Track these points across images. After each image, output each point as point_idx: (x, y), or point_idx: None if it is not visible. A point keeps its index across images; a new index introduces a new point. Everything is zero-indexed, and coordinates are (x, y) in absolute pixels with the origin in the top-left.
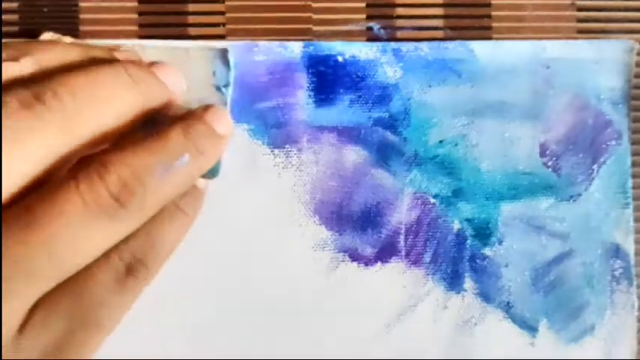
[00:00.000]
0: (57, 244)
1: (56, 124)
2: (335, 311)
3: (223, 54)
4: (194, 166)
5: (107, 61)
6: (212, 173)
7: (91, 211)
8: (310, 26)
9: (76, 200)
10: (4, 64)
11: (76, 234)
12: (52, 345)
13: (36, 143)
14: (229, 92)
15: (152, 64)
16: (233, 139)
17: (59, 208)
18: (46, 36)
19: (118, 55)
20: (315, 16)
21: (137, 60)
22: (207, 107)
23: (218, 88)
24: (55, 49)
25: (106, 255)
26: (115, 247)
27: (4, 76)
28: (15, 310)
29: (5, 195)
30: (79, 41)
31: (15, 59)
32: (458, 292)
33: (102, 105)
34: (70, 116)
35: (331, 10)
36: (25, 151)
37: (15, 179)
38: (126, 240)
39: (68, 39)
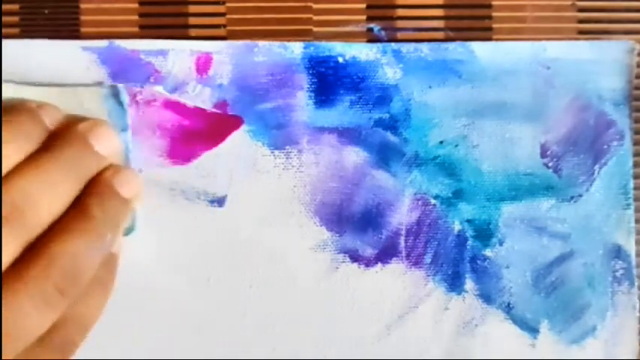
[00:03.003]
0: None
1: (21, 234)
2: (335, 312)
3: (115, 93)
4: (114, 240)
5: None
6: (129, 231)
7: (40, 310)
8: (311, 27)
9: (26, 308)
10: None
11: (18, 324)
12: None
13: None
14: (129, 137)
15: (88, 127)
16: (233, 140)
17: (12, 316)
18: None
19: (45, 118)
20: (315, 17)
21: (73, 129)
22: (114, 170)
23: (119, 132)
24: (7, 148)
25: (40, 341)
26: (47, 334)
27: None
28: None
29: None
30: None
31: None
32: (459, 293)
33: (50, 204)
34: (28, 226)
35: (331, 12)
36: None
37: None
38: (55, 327)
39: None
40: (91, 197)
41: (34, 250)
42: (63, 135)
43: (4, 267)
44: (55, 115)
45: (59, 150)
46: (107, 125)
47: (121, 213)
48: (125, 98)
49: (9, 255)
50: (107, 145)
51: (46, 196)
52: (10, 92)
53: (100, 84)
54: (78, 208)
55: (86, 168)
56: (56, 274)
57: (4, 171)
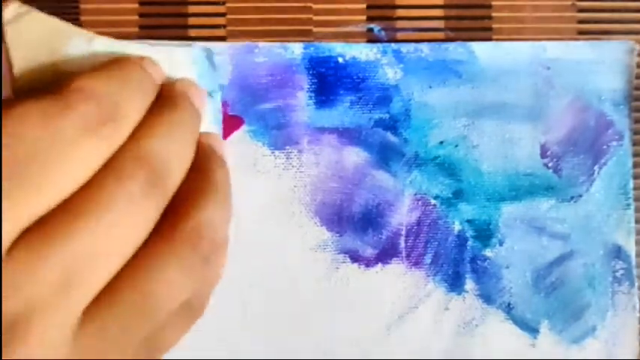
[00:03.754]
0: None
1: (161, 201)
2: (336, 312)
3: (208, 54)
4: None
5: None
6: None
7: (185, 271)
8: (311, 28)
9: (171, 265)
10: (104, 129)
11: (166, 291)
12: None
13: (147, 222)
14: (219, 98)
15: (189, 90)
16: (234, 141)
17: (158, 267)
18: (12, 9)
19: (150, 71)
20: (315, 18)
21: (176, 90)
22: (211, 136)
23: (208, 94)
24: (130, 98)
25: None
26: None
27: (109, 147)
28: None
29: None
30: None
31: (109, 120)
32: (459, 294)
33: (183, 166)
34: (168, 190)
35: (331, 12)
36: (139, 230)
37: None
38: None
39: (38, 13)
40: (214, 168)
41: (176, 216)
42: (171, 94)
43: (147, 234)
44: (157, 70)
45: (176, 110)
46: (199, 86)
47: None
48: (216, 61)
49: (151, 220)
50: (203, 106)
51: (177, 158)
52: (100, 47)
53: (190, 44)
54: (206, 179)
55: (197, 129)
56: (204, 244)
57: (128, 131)
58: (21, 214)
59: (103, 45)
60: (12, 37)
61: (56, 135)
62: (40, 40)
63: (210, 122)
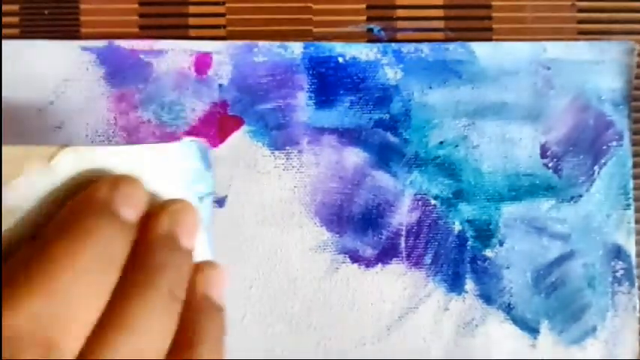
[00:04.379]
0: None
1: None
2: (336, 313)
3: (201, 150)
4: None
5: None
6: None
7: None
8: (311, 28)
9: None
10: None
11: None
12: None
13: None
14: (210, 204)
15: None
16: (234, 141)
17: None
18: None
19: (126, 209)
20: (315, 18)
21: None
22: (205, 276)
23: (199, 199)
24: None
25: None
26: None
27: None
28: None
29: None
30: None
31: None
32: (459, 294)
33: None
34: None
35: (331, 12)
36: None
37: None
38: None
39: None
40: (199, 338)
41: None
42: (150, 249)
43: None
44: (137, 199)
45: (152, 283)
46: (191, 208)
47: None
48: (211, 159)
49: None
50: (194, 237)
51: (154, 340)
52: (65, 166)
53: (181, 141)
54: (185, 350)
55: (183, 288)
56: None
57: (80, 342)
58: None
59: (70, 161)
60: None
61: None
62: None
63: (201, 231)
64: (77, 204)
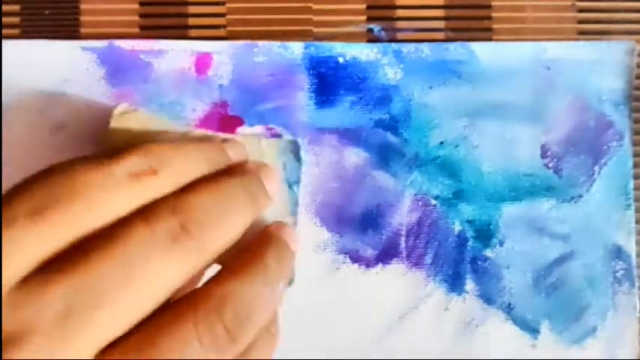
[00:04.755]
0: None
1: (194, 254)
2: (336, 313)
3: (295, 147)
4: (284, 292)
5: (226, 170)
6: (290, 283)
7: (207, 349)
8: (311, 28)
9: (194, 341)
10: (146, 178)
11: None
12: None
13: (174, 272)
14: (299, 191)
15: (260, 167)
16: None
17: (179, 347)
18: (121, 108)
19: (229, 151)
20: (315, 18)
21: (246, 165)
22: (282, 227)
23: (289, 185)
24: (187, 162)
25: None
26: None
27: (148, 194)
28: None
29: (138, 316)
30: (181, 130)
31: (154, 172)
32: (459, 294)
33: (228, 228)
34: (203, 246)
35: (332, 12)
36: (163, 279)
37: (147, 306)
38: None
39: (143, 112)
40: (267, 247)
41: (208, 283)
42: (240, 167)
43: (174, 288)
44: (239, 150)
45: (239, 178)
46: (273, 169)
47: (290, 263)
48: (303, 154)
49: (183, 274)
50: (274, 188)
51: (226, 219)
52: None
53: (280, 137)
54: (255, 254)
55: (260, 204)
56: (229, 316)
57: (173, 185)
58: (56, 238)
59: (195, 136)
60: (112, 129)
61: (106, 178)
62: (135, 133)
63: (287, 213)
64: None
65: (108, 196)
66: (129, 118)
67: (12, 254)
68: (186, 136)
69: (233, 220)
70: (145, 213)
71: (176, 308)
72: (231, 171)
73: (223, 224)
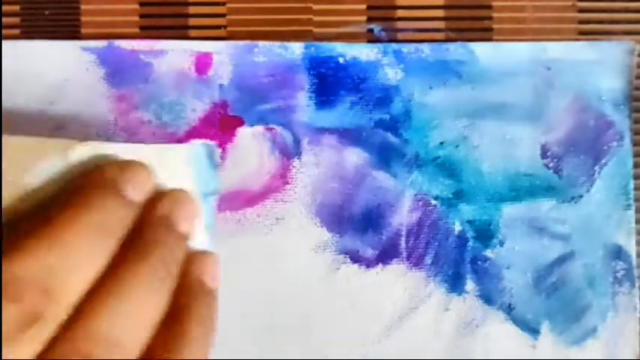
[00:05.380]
0: None
1: None
2: (336, 313)
3: (209, 151)
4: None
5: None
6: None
7: None
8: (311, 28)
9: None
10: (35, 326)
11: None
12: None
13: None
14: (214, 203)
15: (174, 207)
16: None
17: None
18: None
19: (130, 189)
20: (315, 18)
21: (157, 210)
22: (201, 264)
23: (204, 196)
24: (78, 267)
25: None
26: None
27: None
28: None
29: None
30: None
31: (36, 319)
32: (459, 294)
33: (147, 322)
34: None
35: (332, 12)
36: None
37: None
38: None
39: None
40: (193, 321)
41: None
42: (151, 222)
43: None
44: (143, 183)
45: (146, 260)
46: (191, 198)
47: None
48: (217, 159)
49: None
50: (191, 223)
51: (134, 337)
52: (80, 155)
53: (190, 142)
54: (176, 327)
55: (177, 263)
56: None
57: (75, 297)
58: None
59: (85, 152)
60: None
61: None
62: (10, 162)
63: (200, 231)
64: (86, 180)
65: None
66: None
67: None
68: (74, 162)
69: (154, 318)
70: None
71: None
72: (141, 233)
73: (138, 341)
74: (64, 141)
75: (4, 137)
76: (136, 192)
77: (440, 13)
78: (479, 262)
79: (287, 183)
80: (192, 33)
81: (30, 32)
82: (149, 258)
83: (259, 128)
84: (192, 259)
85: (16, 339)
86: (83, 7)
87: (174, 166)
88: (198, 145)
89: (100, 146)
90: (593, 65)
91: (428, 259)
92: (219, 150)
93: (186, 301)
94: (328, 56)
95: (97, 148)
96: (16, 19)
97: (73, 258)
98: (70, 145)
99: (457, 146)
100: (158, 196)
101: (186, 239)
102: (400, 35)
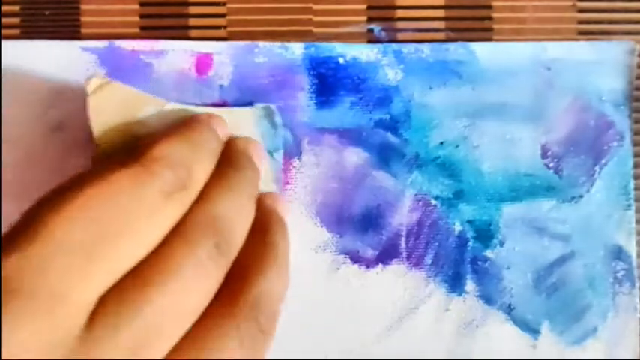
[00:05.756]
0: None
1: (224, 269)
2: (336, 313)
3: (269, 113)
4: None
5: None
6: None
7: (247, 348)
8: (311, 28)
9: (236, 341)
10: (178, 196)
11: None
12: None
13: (209, 288)
14: (281, 158)
15: (247, 146)
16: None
17: (224, 347)
18: (94, 82)
19: (218, 131)
20: (315, 18)
21: (236, 147)
22: (278, 202)
23: (270, 153)
24: (200, 162)
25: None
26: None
27: (181, 210)
28: (83, 295)
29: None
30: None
31: (184, 187)
32: (459, 294)
33: (244, 233)
34: (229, 260)
35: (332, 12)
36: (202, 296)
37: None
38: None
39: (117, 84)
40: (274, 231)
41: (237, 283)
42: (233, 152)
43: (210, 300)
44: (223, 127)
45: (238, 170)
46: (259, 143)
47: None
48: (279, 119)
49: (216, 285)
50: (262, 166)
51: (241, 220)
52: (171, 111)
53: (253, 105)
54: (267, 244)
55: (257, 188)
56: (264, 317)
57: (197, 194)
58: (102, 277)
59: (174, 109)
60: (93, 106)
61: (142, 200)
62: (118, 107)
63: (270, 181)
64: (184, 121)
65: (149, 223)
66: (105, 92)
67: (77, 288)
68: (168, 111)
69: (247, 224)
70: (183, 235)
71: (218, 311)
72: (228, 159)
73: (243, 232)
74: (159, 99)
75: (113, 84)
76: (221, 132)
77: (440, 13)
78: (479, 263)
79: (287, 183)
80: (193, 33)
81: (30, 32)
82: (238, 176)
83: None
84: (264, 196)
85: (171, 197)
86: (83, 7)
87: (242, 125)
88: (260, 107)
89: (185, 107)
90: (593, 65)
91: (428, 260)
92: (279, 113)
93: (264, 221)
94: (328, 56)
95: (183, 108)
96: (16, 19)
97: (198, 153)
98: (164, 102)
99: (457, 146)
100: (233, 139)
101: (259, 172)
102: (400, 35)
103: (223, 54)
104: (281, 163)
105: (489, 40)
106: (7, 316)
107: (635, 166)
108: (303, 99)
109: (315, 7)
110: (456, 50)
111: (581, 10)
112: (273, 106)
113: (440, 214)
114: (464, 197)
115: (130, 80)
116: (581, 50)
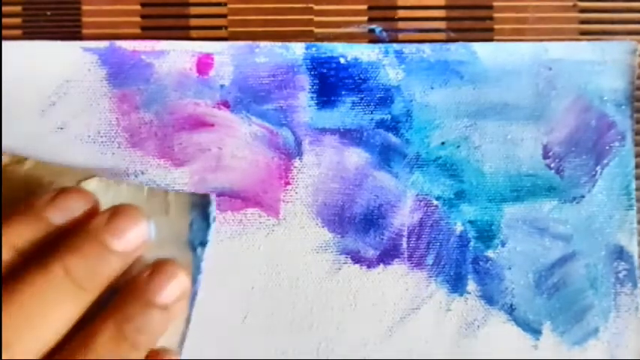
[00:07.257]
0: None
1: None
2: (337, 313)
3: (204, 203)
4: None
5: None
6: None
7: None
8: (312, 29)
9: None
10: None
11: None
12: None
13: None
14: (204, 255)
15: (113, 212)
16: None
17: None
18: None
19: (54, 215)
20: (316, 19)
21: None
22: (155, 269)
23: (192, 247)
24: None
25: None
26: None
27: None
28: None
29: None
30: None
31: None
32: (461, 295)
33: (44, 329)
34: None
35: (333, 13)
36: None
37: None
38: None
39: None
40: (126, 320)
41: None
42: (72, 236)
43: None
44: (69, 209)
45: (57, 264)
46: (133, 212)
47: (161, 325)
48: (213, 212)
49: None
50: (133, 237)
51: (38, 324)
52: (95, 186)
53: (190, 193)
54: (115, 336)
55: (101, 274)
56: None
57: None
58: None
59: (94, 188)
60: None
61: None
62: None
63: (190, 272)
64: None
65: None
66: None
67: None
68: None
69: (48, 321)
70: None
71: None
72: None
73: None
74: (77, 171)
75: (28, 161)
76: (62, 215)
77: (441, 13)
78: (480, 263)
79: (288, 183)
80: (194, 33)
81: (31, 33)
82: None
83: (260, 128)
84: (142, 270)
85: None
86: (84, 7)
87: (172, 210)
88: (197, 195)
89: (109, 184)
90: (594, 65)
91: (429, 260)
92: (215, 204)
93: (125, 315)
94: (329, 56)
95: (108, 186)
96: (17, 20)
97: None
98: (84, 176)
99: (458, 146)
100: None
101: (121, 254)
102: (401, 35)
103: (224, 54)
104: (203, 259)
105: (490, 40)
106: None
107: (637, 166)
108: (304, 99)
109: (316, 7)
110: (457, 50)
111: (583, 10)
112: (212, 197)
113: (441, 214)
114: (465, 197)
115: (132, 80)
116: (583, 50)
